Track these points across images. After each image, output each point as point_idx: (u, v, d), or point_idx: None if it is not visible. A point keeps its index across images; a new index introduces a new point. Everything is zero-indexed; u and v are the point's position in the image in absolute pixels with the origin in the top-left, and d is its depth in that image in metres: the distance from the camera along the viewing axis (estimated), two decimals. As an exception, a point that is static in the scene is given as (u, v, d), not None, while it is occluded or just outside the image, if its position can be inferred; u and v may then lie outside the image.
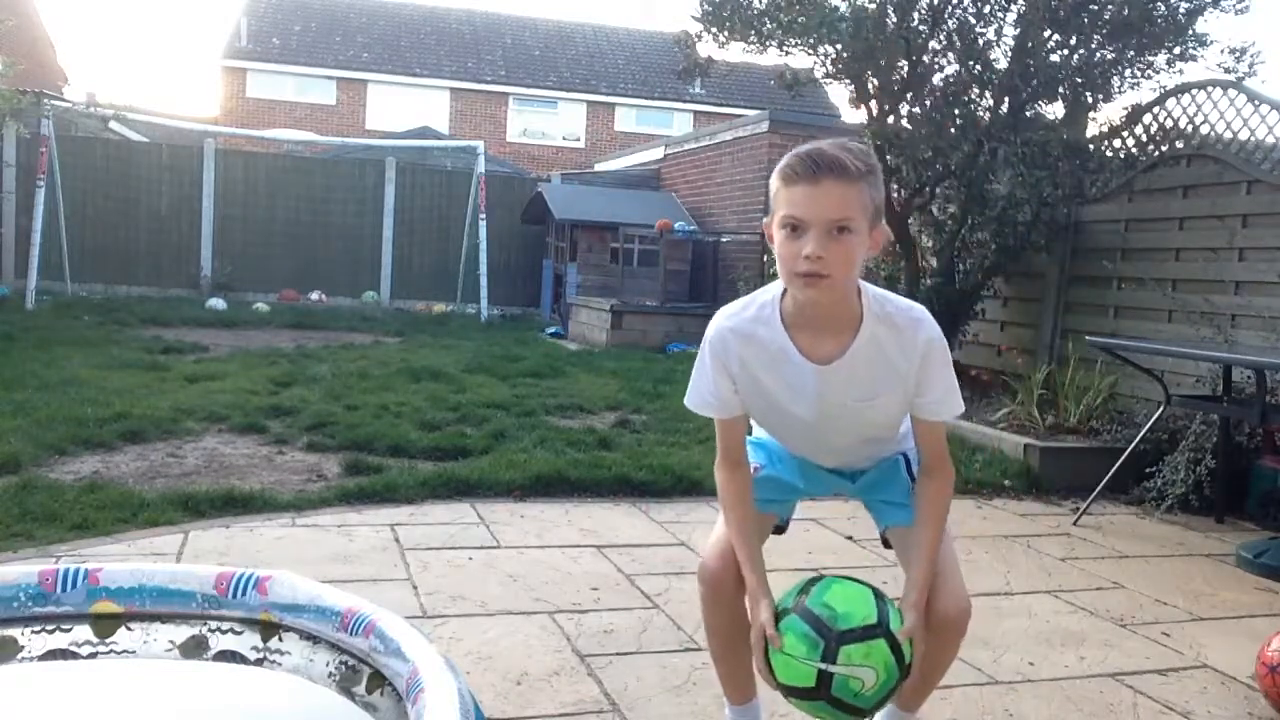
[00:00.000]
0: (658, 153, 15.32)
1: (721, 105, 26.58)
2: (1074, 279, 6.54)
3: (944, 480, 1.95)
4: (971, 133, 6.33)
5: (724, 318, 1.88)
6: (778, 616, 1.76)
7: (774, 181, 1.74)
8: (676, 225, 11.90)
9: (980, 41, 6.45)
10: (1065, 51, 6.42)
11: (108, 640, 1.57)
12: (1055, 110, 6.70)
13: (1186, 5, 6.21)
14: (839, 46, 6.27)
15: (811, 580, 1.80)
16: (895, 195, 6.70)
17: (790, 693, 1.75)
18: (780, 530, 2.16)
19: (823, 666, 1.67)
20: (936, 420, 1.91)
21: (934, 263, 7.06)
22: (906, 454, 2.07)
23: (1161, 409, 4.61)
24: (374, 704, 1.43)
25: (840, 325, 1.81)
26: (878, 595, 1.76)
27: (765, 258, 10.02)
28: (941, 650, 1.92)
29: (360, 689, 1.47)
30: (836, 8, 6.29)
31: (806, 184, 1.67)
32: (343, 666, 1.51)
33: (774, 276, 1.89)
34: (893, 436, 2.01)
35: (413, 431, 5.24)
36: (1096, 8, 6.16)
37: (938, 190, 6.86)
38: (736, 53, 7.26)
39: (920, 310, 1.86)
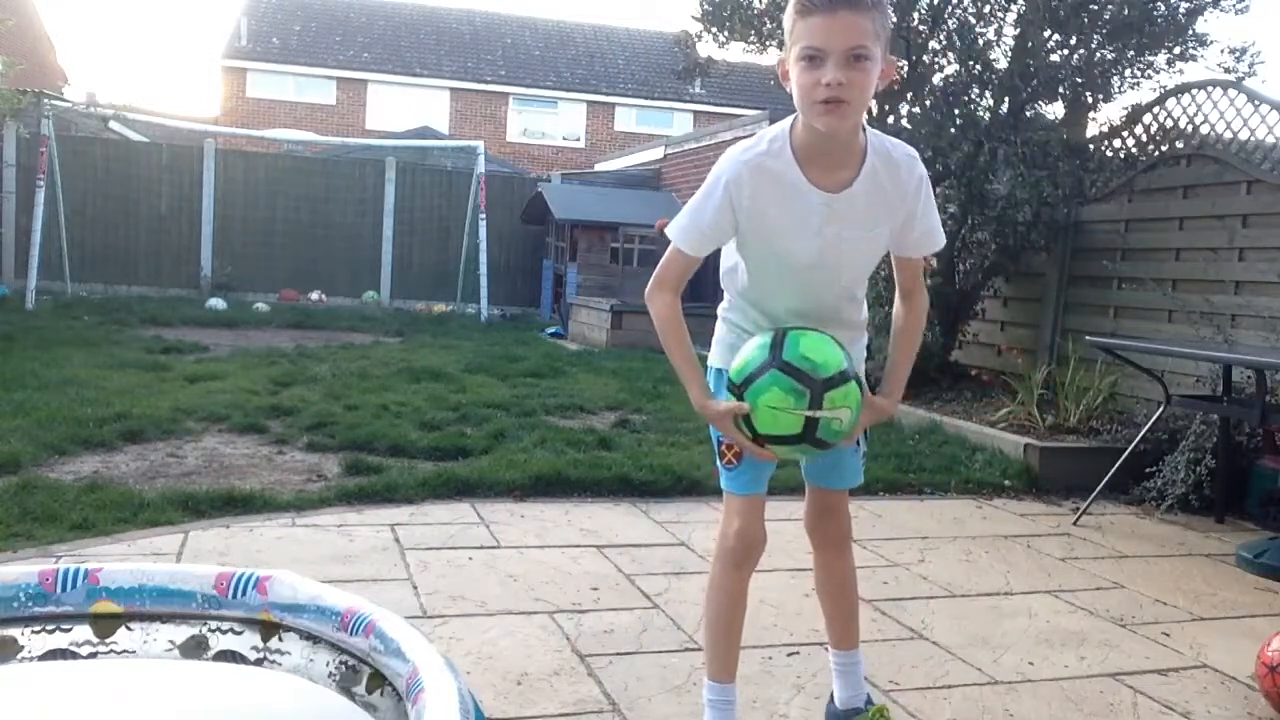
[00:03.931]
0: (658, 153, 15.32)
1: (721, 105, 26.58)
2: (1074, 279, 6.54)
3: (921, 301, 2.12)
4: (971, 133, 6.32)
5: (739, 152, 1.92)
6: (753, 376, 1.86)
7: (789, 17, 1.80)
8: (677, 225, 11.89)
9: (980, 41, 6.45)
10: (1065, 51, 6.42)
11: (108, 640, 1.57)
12: (1055, 110, 6.71)
13: (1186, 5, 6.21)
14: (839, 46, 6.28)
15: (776, 337, 1.89)
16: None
17: (773, 441, 1.89)
18: None
19: (810, 413, 1.82)
20: (920, 256, 2.07)
21: (934, 263, 7.05)
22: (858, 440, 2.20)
23: (1162, 409, 4.61)
24: (374, 704, 1.42)
25: (848, 158, 1.89)
26: (836, 341, 1.91)
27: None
28: (841, 565, 2.23)
29: (360, 689, 1.46)
30: (837, 8, 6.29)
31: (823, 15, 1.73)
32: (343, 666, 1.51)
33: None
34: (862, 299, 2.14)
35: (413, 431, 5.24)
36: (1096, 8, 6.16)
37: (937, 190, 6.86)
38: (736, 53, 7.27)
39: (911, 149, 1.97)
